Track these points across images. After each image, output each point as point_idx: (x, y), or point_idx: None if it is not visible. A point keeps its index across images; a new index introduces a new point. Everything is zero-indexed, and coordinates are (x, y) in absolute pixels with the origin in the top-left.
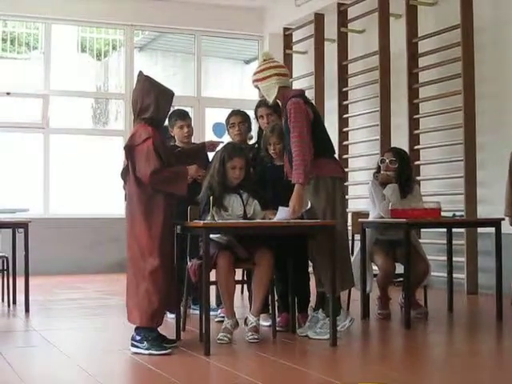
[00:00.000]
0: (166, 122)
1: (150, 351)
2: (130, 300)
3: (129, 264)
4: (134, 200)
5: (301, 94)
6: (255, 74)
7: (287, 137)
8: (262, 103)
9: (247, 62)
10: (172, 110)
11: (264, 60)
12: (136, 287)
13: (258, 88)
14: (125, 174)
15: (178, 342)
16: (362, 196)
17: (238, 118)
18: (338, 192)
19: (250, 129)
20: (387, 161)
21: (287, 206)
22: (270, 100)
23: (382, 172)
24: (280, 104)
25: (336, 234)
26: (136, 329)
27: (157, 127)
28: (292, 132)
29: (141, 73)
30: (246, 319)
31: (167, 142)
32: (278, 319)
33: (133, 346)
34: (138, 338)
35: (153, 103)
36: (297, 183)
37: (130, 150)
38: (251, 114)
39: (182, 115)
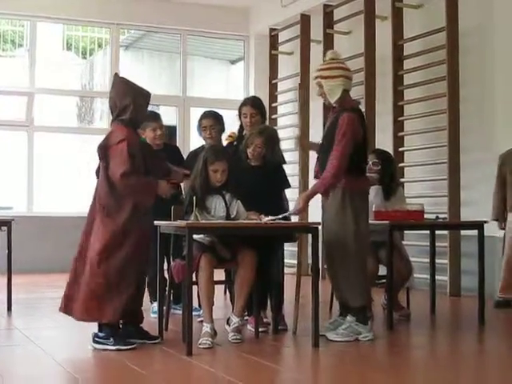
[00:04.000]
0: None
1: (118, 347)
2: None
3: (77, 260)
4: (102, 197)
5: (358, 108)
6: (321, 70)
7: (326, 141)
8: (248, 102)
9: (233, 62)
10: None
11: (332, 59)
12: (88, 284)
13: (320, 85)
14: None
15: (159, 340)
16: None
17: (209, 121)
18: (365, 206)
19: (223, 130)
20: (370, 162)
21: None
22: (332, 100)
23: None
24: (333, 105)
25: (356, 246)
26: (99, 325)
27: (134, 128)
28: (336, 145)
29: (116, 74)
30: (228, 319)
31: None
32: (248, 318)
33: (96, 342)
34: (101, 334)
35: (131, 104)
36: (317, 190)
37: (104, 149)
38: (232, 114)
39: (155, 117)
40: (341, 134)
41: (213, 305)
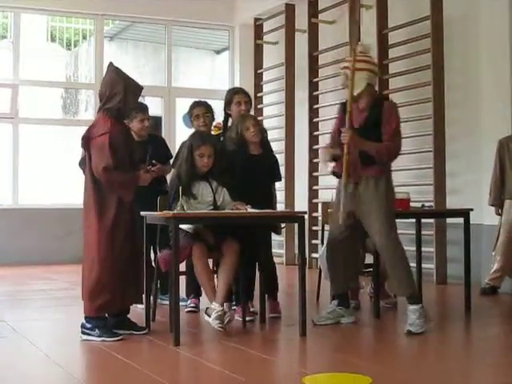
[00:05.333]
0: None
1: (103, 338)
2: (83, 289)
3: (83, 254)
4: (89, 190)
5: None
6: (349, 61)
7: (370, 132)
8: (241, 90)
9: (218, 52)
10: None
11: (360, 52)
12: (88, 277)
13: (346, 74)
14: (83, 164)
15: (147, 331)
16: (332, 187)
17: (202, 109)
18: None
19: (213, 119)
20: None
21: (257, 202)
22: (355, 93)
23: None
24: (364, 99)
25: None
26: (86, 317)
27: (120, 119)
28: (395, 129)
29: (111, 63)
30: (206, 309)
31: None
32: (234, 308)
33: (84, 333)
34: (88, 325)
35: (120, 94)
36: (369, 150)
37: (86, 140)
38: (217, 104)
39: (143, 108)
40: (393, 119)
41: (215, 290)
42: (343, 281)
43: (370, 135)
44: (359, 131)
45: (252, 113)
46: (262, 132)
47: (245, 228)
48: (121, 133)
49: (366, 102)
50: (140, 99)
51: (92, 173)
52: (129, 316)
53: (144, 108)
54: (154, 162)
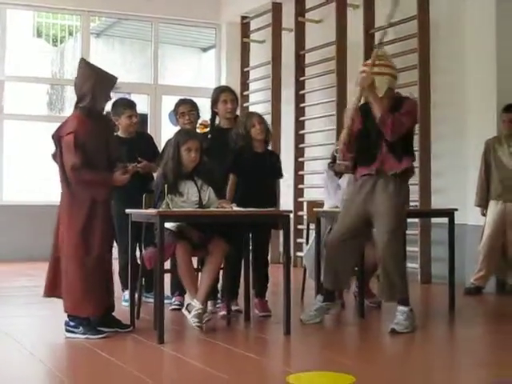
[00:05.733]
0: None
1: (87, 335)
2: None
3: (52, 250)
4: (62, 187)
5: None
6: (367, 65)
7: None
8: (228, 88)
9: (204, 49)
10: (117, 98)
11: (381, 56)
12: (64, 276)
13: (364, 77)
14: (55, 158)
15: (131, 328)
16: (317, 185)
17: (188, 107)
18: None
19: (198, 117)
20: None
21: (262, 199)
22: (380, 94)
23: (338, 162)
24: (385, 102)
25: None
26: (69, 315)
27: (93, 117)
28: (402, 111)
29: (81, 60)
30: (187, 305)
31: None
32: (219, 305)
33: (67, 331)
34: (72, 323)
35: (89, 92)
36: (380, 111)
37: (56, 138)
38: (203, 102)
39: (131, 105)
40: (409, 110)
41: (197, 287)
42: (335, 280)
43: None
44: (382, 134)
45: (238, 111)
46: (267, 130)
47: (232, 226)
48: (91, 131)
49: (386, 106)
50: (126, 96)
51: (64, 170)
52: (114, 314)
53: (132, 104)
54: (139, 159)
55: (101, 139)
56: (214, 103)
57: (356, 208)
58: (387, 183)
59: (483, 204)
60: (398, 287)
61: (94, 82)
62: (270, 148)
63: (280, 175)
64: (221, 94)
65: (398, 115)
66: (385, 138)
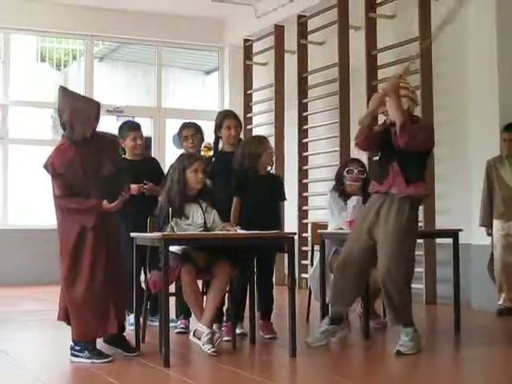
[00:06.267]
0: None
1: (92, 360)
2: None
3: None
4: (56, 214)
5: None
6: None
7: (408, 154)
8: (232, 114)
9: (208, 72)
10: (123, 121)
11: (401, 76)
12: (67, 303)
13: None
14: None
15: (137, 353)
16: (321, 207)
17: (191, 131)
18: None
19: (202, 140)
20: (356, 171)
21: (266, 224)
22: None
23: (348, 182)
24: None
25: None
26: (73, 339)
27: (78, 143)
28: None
29: (59, 88)
30: (195, 331)
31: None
32: (223, 329)
33: (73, 355)
34: (77, 347)
35: (67, 122)
36: (401, 114)
37: (45, 168)
38: (207, 124)
39: (135, 127)
40: (423, 126)
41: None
42: (342, 303)
43: (409, 157)
44: (396, 154)
45: (242, 134)
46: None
47: (236, 248)
48: (73, 159)
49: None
50: (130, 119)
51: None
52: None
53: (136, 126)
54: (145, 181)
55: (88, 164)
56: (218, 128)
57: (363, 232)
58: (392, 206)
59: (488, 224)
60: (401, 312)
61: (70, 113)
62: (272, 171)
63: (283, 198)
64: (224, 119)
65: (414, 127)
66: (398, 159)
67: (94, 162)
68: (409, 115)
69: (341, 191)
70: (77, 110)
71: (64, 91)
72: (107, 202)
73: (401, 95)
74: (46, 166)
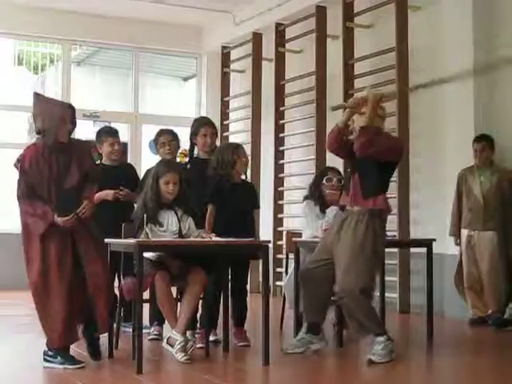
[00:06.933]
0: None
1: (65, 365)
2: None
3: None
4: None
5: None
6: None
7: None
8: (208, 121)
9: (185, 79)
10: (100, 127)
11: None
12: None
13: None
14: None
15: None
16: (296, 215)
17: (168, 137)
18: (380, 229)
19: (178, 146)
20: (335, 179)
21: (241, 232)
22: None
23: (328, 191)
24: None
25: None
26: (47, 344)
27: (50, 148)
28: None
29: (33, 94)
30: (168, 338)
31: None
32: (197, 335)
33: (45, 360)
34: (50, 353)
35: (41, 128)
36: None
37: (15, 166)
38: (184, 131)
39: (112, 132)
40: (390, 137)
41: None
42: (309, 312)
43: (369, 169)
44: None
45: (218, 141)
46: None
47: (212, 256)
48: (41, 161)
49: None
50: (107, 124)
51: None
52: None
53: (113, 132)
54: (121, 187)
55: (55, 170)
56: (194, 135)
57: (328, 241)
58: (352, 221)
59: (457, 233)
60: (364, 324)
61: (43, 117)
62: (245, 178)
63: (257, 206)
64: (200, 127)
65: (377, 135)
66: (358, 170)
67: (62, 171)
68: (378, 129)
69: (319, 200)
70: (50, 114)
71: (37, 96)
72: (57, 216)
73: (377, 111)
74: (15, 163)
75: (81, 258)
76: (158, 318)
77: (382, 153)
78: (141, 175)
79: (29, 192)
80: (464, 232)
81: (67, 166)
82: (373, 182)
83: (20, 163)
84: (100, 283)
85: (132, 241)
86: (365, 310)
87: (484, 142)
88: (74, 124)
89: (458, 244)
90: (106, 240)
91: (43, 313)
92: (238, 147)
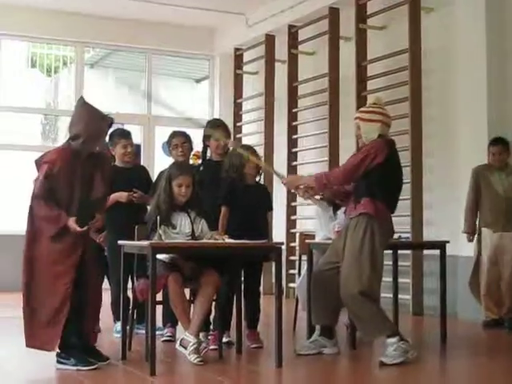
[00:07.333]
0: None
1: (78, 367)
2: None
3: None
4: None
5: (390, 143)
6: (362, 112)
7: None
8: (221, 125)
9: (198, 80)
10: (113, 129)
11: (374, 104)
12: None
13: (358, 126)
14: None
15: (108, 361)
16: (309, 217)
17: (181, 139)
18: (380, 237)
19: (191, 148)
20: None
21: (254, 234)
22: (366, 141)
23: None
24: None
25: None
26: (59, 347)
27: (80, 155)
28: (353, 157)
29: (79, 99)
30: (181, 340)
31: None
32: (210, 337)
33: (58, 362)
34: (63, 354)
35: (81, 134)
36: (308, 181)
37: (36, 165)
38: (196, 133)
39: (125, 134)
40: (360, 154)
41: (189, 319)
42: (321, 315)
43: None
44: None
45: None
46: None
47: (225, 258)
48: (69, 167)
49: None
50: (120, 126)
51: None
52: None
53: (126, 134)
54: (134, 190)
55: (78, 179)
56: (207, 138)
57: (337, 245)
58: (351, 225)
59: (471, 231)
60: (370, 326)
61: (85, 126)
62: (259, 180)
63: (270, 208)
64: (214, 131)
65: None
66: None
67: (85, 182)
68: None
69: (331, 201)
70: (92, 126)
71: (83, 103)
72: (73, 222)
73: (372, 119)
74: (37, 161)
75: (85, 275)
76: (171, 320)
77: (342, 178)
78: (154, 177)
79: (47, 194)
80: (485, 230)
81: (91, 175)
82: (361, 187)
83: (47, 165)
84: (97, 299)
85: (145, 243)
86: (368, 312)
87: (500, 145)
88: (106, 136)
89: (472, 241)
90: (120, 242)
91: (30, 314)
92: (246, 149)
